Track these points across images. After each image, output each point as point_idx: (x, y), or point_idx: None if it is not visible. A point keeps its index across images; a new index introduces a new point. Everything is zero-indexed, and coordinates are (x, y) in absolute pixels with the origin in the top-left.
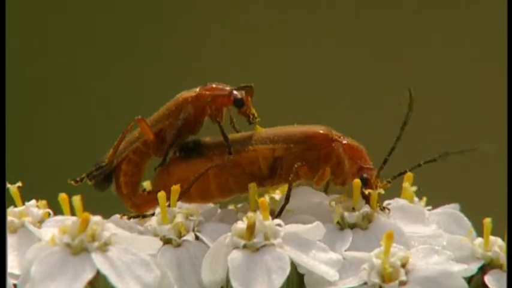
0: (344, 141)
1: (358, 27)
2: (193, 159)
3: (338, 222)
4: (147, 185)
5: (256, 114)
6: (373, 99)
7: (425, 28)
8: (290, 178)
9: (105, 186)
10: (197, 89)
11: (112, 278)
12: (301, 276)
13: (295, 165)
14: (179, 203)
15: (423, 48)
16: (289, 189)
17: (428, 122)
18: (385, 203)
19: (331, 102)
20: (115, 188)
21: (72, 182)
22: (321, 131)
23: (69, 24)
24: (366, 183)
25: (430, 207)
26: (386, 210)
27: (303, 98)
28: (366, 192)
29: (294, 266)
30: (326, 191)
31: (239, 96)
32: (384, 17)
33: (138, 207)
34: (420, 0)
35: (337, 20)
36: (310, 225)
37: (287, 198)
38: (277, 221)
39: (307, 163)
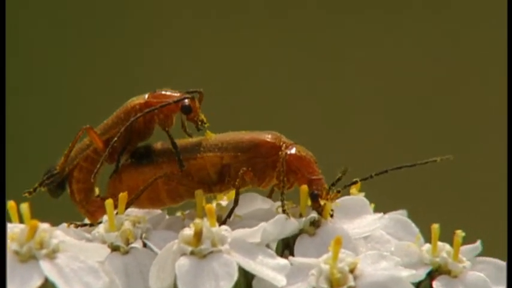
0: (291, 151)
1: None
2: (144, 166)
3: None
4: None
5: (205, 120)
6: (328, 101)
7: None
8: (236, 183)
9: (59, 193)
10: (146, 96)
11: (60, 285)
12: (249, 282)
13: (241, 171)
14: (127, 210)
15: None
16: (237, 194)
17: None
18: None
19: (285, 104)
20: (69, 195)
21: (27, 194)
22: (269, 139)
23: None
24: (315, 200)
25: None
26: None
27: (258, 100)
28: (322, 202)
29: (241, 271)
30: (271, 195)
31: (186, 103)
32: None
33: (91, 214)
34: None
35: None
36: (255, 228)
37: (236, 202)
38: (224, 227)
39: (255, 170)
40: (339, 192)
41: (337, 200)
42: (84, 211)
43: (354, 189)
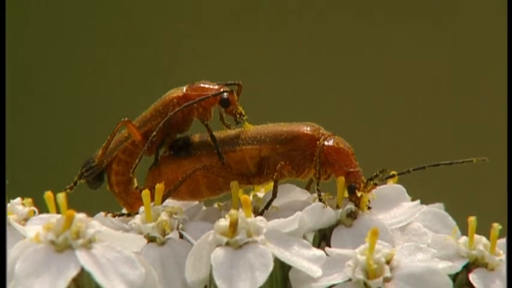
0: (329, 143)
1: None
2: (183, 159)
3: None
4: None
5: (243, 113)
6: (365, 95)
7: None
8: (274, 176)
9: (98, 185)
10: (184, 88)
11: (96, 275)
12: (285, 273)
13: (279, 165)
14: (165, 202)
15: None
16: (275, 186)
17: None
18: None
19: (324, 97)
20: (108, 187)
21: (68, 190)
22: (307, 131)
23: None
24: (352, 192)
25: None
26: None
27: (295, 91)
28: (359, 194)
29: (278, 262)
30: (309, 186)
31: (225, 96)
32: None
33: (130, 205)
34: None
35: (327, 19)
36: (290, 217)
37: (274, 194)
38: (259, 218)
39: (293, 162)
40: (376, 185)
41: (374, 190)
42: (123, 202)
43: (390, 183)
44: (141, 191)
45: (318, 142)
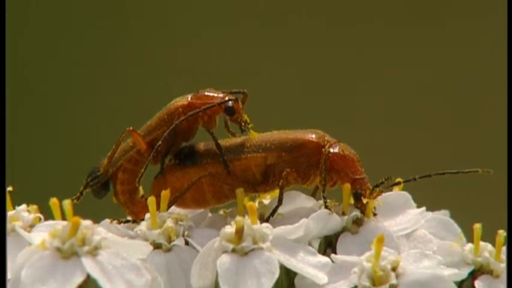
0: (334, 150)
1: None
2: (188, 167)
3: None
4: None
5: (248, 121)
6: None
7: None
8: (280, 183)
9: (103, 194)
10: (189, 97)
11: (102, 282)
12: (291, 280)
13: (285, 172)
14: (170, 209)
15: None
16: (281, 193)
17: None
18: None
19: (328, 102)
20: (113, 196)
21: (75, 200)
22: (312, 139)
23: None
24: (358, 199)
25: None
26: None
27: (299, 98)
28: (364, 201)
29: (284, 269)
30: (315, 193)
31: (230, 104)
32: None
33: (136, 214)
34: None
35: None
36: (296, 224)
37: (279, 201)
38: (265, 224)
39: (299, 169)
40: (381, 192)
41: (379, 196)
42: (129, 211)
43: (395, 190)
44: (146, 199)
45: (323, 149)
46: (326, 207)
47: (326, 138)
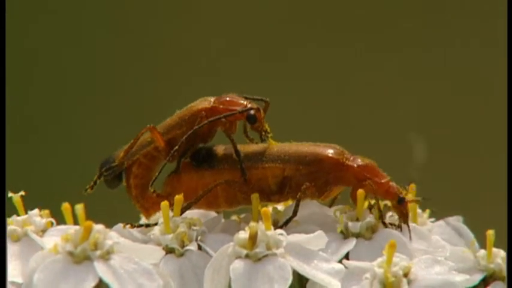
0: (356, 164)
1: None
2: (205, 170)
3: (342, 232)
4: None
5: (268, 130)
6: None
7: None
8: (298, 196)
9: (116, 185)
10: (212, 100)
11: (114, 286)
12: (303, 286)
13: (304, 186)
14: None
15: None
16: (297, 205)
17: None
18: (388, 215)
19: (345, 114)
20: (126, 188)
21: (89, 190)
22: (332, 155)
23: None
24: (403, 202)
25: (433, 219)
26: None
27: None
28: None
29: (296, 275)
30: (331, 205)
31: (252, 113)
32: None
33: (146, 209)
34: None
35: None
36: (312, 235)
37: (294, 213)
38: (279, 231)
39: (316, 184)
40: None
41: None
42: (139, 206)
43: (410, 194)
44: (157, 195)
45: (342, 166)
46: (384, 224)
47: (345, 155)
